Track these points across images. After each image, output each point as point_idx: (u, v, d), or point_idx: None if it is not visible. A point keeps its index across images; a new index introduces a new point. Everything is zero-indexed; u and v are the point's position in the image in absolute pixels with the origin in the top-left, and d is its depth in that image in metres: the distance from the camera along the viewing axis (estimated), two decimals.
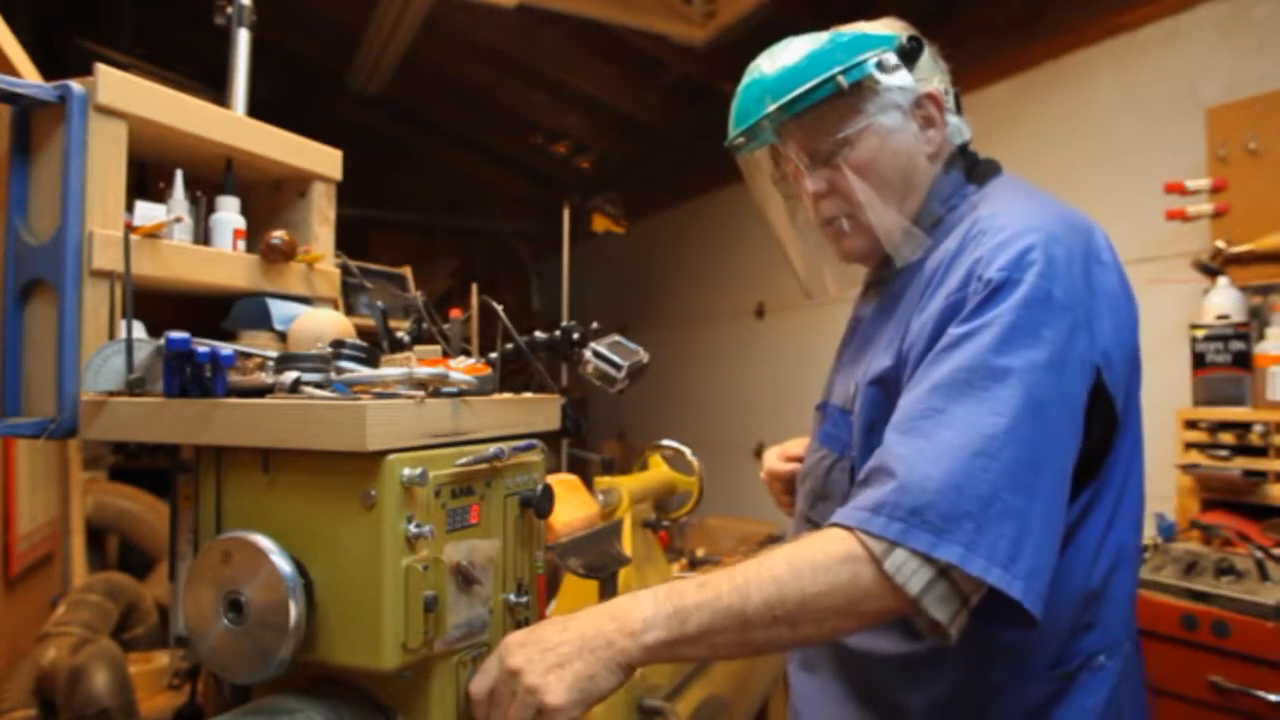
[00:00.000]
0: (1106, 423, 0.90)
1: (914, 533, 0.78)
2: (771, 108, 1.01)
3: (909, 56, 1.01)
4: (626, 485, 1.63)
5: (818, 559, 0.80)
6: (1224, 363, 2.01)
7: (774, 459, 1.28)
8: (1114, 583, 0.94)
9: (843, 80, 0.99)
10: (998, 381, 0.81)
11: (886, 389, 0.95)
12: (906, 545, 0.78)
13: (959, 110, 1.08)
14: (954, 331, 0.86)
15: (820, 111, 1.01)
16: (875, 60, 0.99)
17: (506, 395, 1.01)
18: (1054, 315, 0.84)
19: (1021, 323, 0.83)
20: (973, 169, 1.06)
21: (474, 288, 1.14)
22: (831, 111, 1.01)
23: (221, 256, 1.10)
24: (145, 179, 1.11)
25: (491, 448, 0.90)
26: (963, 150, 1.07)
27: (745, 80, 1.06)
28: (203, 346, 0.85)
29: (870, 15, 1.10)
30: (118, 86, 0.96)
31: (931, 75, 1.04)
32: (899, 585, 0.78)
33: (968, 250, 0.92)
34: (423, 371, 0.87)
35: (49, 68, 1.39)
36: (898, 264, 1.03)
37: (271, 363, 0.92)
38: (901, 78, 1.01)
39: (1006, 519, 0.78)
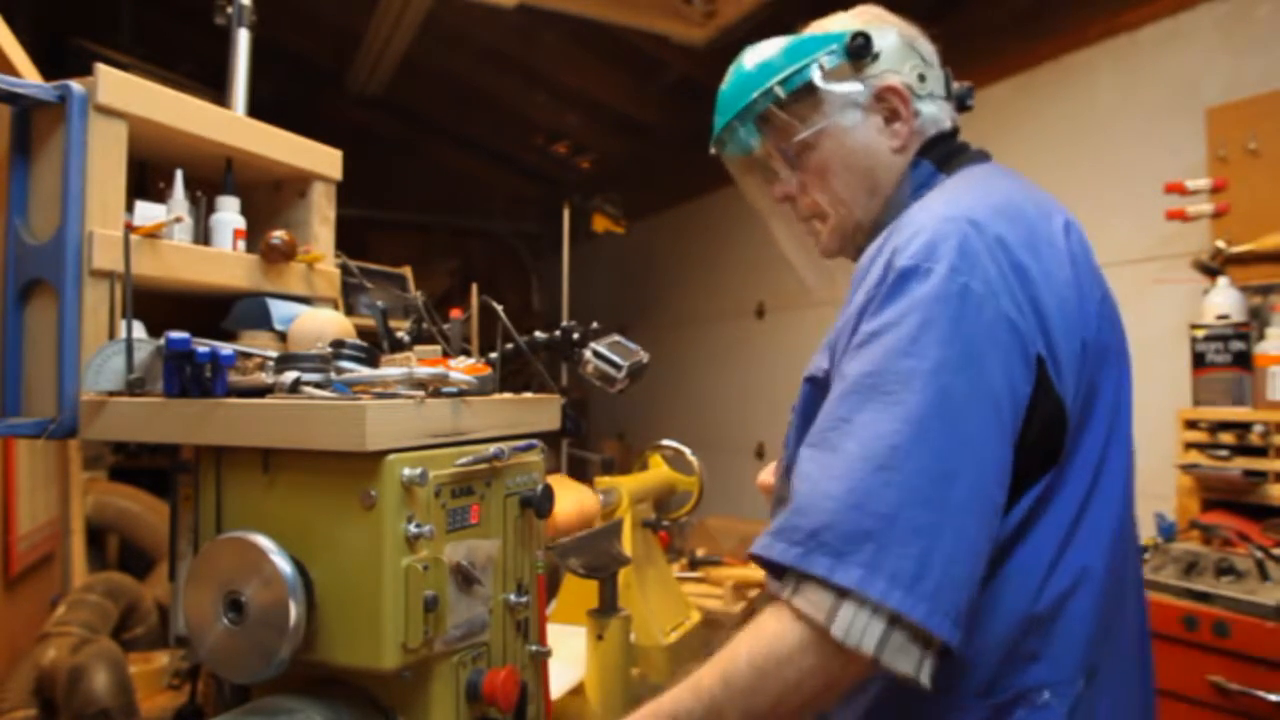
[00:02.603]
0: (1051, 422, 0.82)
1: (813, 557, 0.73)
2: (724, 121, 1.03)
3: (859, 53, 0.99)
4: (626, 485, 1.63)
5: (768, 659, 0.75)
6: (1224, 363, 2.01)
7: (767, 472, 1.27)
8: (1070, 610, 0.83)
9: (779, 91, 0.99)
10: (904, 385, 0.76)
11: (817, 386, 0.91)
12: (809, 572, 0.73)
13: (949, 94, 1.04)
14: (864, 329, 0.81)
15: (774, 118, 1.01)
16: (817, 64, 0.99)
17: (506, 395, 1.01)
18: (970, 308, 0.77)
19: (933, 318, 0.77)
20: (949, 158, 1.01)
21: (474, 288, 1.14)
22: (782, 118, 1.01)
23: (221, 256, 1.10)
24: (145, 179, 1.12)
25: (491, 448, 0.90)
26: (942, 138, 1.02)
27: (722, 84, 1.07)
28: (203, 346, 0.85)
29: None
30: (118, 86, 0.96)
31: (902, 63, 1.01)
32: (853, 648, 0.72)
33: (890, 240, 0.86)
34: (423, 371, 0.87)
35: (49, 68, 1.39)
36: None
37: (271, 363, 0.92)
38: (845, 80, 0.99)
39: (912, 537, 0.72)
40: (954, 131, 1.04)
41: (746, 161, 1.12)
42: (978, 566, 0.75)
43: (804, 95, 1.00)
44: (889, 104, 1.00)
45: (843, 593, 0.72)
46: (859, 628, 0.72)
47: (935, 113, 1.02)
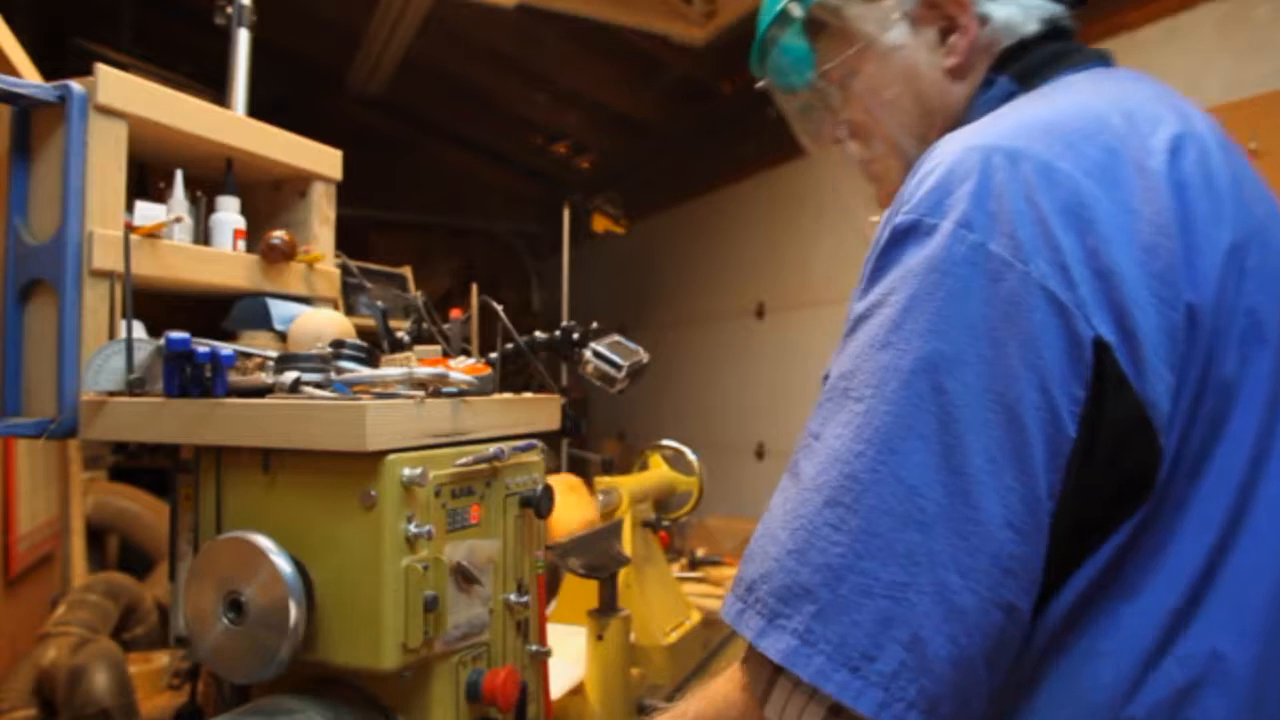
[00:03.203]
0: (1129, 435, 0.56)
1: (746, 615, 0.58)
2: (757, 42, 0.87)
3: None
4: (626, 485, 1.63)
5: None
6: None
7: None
8: (1189, 717, 0.56)
9: (795, 9, 0.82)
10: (875, 389, 0.57)
11: None
12: (741, 635, 0.58)
13: None
14: (855, 310, 0.62)
15: (810, 37, 0.84)
16: None
17: (506, 395, 1.01)
18: (981, 277, 0.56)
19: (923, 294, 0.56)
20: (1037, 69, 0.75)
21: (474, 288, 1.14)
22: (814, 42, 0.84)
23: (221, 256, 1.10)
24: (145, 179, 1.11)
25: (491, 448, 0.90)
26: (1027, 46, 0.77)
27: None
28: (203, 346, 0.85)
29: None
30: (118, 86, 0.96)
31: None
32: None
33: (904, 186, 0.65)
34: (423, 371, 0.87)
35: (49, 68, 1.39)
36: None
37: (271, 363, 0.92)
38: None
39: (864, 599, 0.53)
40: (1053, 35, 0.78)
41: (799, 92, 0.93)
42: (973, 645, 0.54)
43: (838, 6, 0.81)
44: (942, 10, 0.78)
45: (776, 666, 0.56)
46: (792, 714, 0.56)
47: (1013, 15, 0.77)
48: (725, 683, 0.64)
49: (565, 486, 1.68)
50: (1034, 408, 0.54)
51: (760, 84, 0.95)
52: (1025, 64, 0.75)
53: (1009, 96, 0.74)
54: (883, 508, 0.54)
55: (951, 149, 0.62)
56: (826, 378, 0.68)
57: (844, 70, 0.82)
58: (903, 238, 0.59)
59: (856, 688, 0.53)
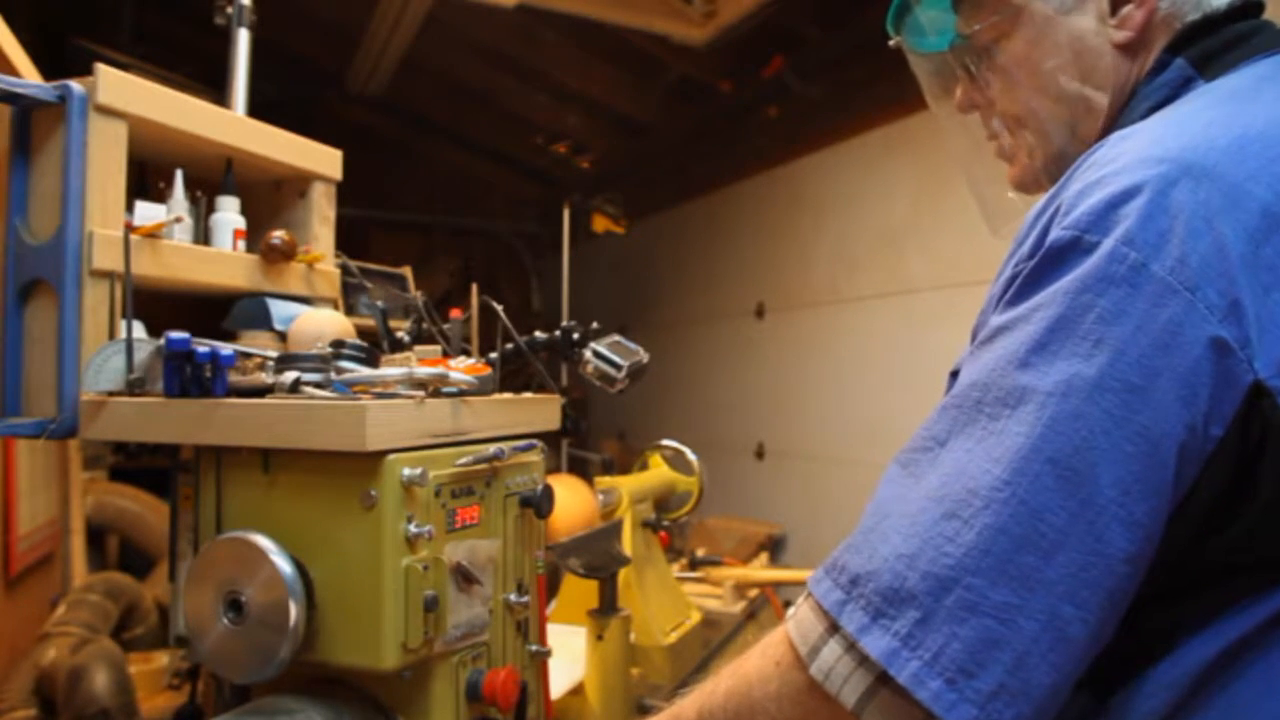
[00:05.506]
0: None
1: (850, 608, 0.56)
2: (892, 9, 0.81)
3: None
4: (626, 485, 1.63)
5: (754, 695, 0.63)
6: None
7: None
8: None
9: None
10: (1011, 408, 0.54)
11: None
12: (842, 626, 0.57)
13: None
14: (994, 321, 0.59)
15: (951, 2, 0.77)
16: None
17: (506, 395, 1.01)
18: (1140, 302, 0.52)
19: (1073, 314, 0.53)
20: (1218, 54, 0.67)
21: (474, 288, 1.14)
22: (959, 1, 0.77)
23: (221, 256, 1.10)
24: (145, 179, 1.12)
25: (491, 448, 0.90)
26: (1210, 24, 0.69)
27: None
28: (203, 346, 0.85)
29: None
30: (118, 86, 0.96)
31: None
32: (831, 695, 0.57)
33: (1064, 189, 0.60)
34: (423, 371, 0.87)
35: (49, 68, 1.39)
36: None
37: (271, 363, 0.92)
38: None
39: (968, 614, 0.52)
40: (1241, 11, 0.70)
41: (933, 54, 0.85)
42: (1073, 673, 0.54)
43: None
44: None
45: (863, 660, 0.56)
46: (876, 711, 0.55)
47: None
48: (758, 657, 0.63)
49: (565, 486, 1.68)
50: (1179, 446, 0.52)
51: (891, 42, 0.87)
52: (1207, 46, 0.67)
53: (1184, 84, 0.67)
54: (1000, 527, 0.53)
55: (1124, 158, 0.57)
56: (954, 375, 0.66)
57: (991, 35, 0.75)
58: (1062, 255, 0.55)
59: (950, 700, 0.52)
